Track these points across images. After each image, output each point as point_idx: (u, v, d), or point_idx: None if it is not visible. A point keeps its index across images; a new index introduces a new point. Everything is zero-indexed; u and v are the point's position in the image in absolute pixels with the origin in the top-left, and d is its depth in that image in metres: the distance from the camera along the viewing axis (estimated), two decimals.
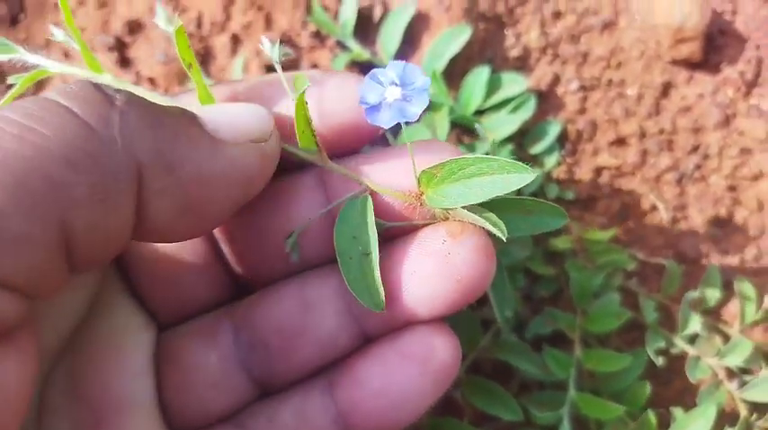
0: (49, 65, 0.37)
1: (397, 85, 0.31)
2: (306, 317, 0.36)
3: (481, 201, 0.32)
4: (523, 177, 0.31)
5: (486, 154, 0.57)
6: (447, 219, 0.35)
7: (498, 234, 0.31)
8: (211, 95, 0.35)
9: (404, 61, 0.32)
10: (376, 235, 0.33)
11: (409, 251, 0.34)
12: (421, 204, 0.34)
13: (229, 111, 0.33)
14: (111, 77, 0.37)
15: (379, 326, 0.36)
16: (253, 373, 0.37)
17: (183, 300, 0.38)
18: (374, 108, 0.31)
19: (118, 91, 0.29)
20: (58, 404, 0.34)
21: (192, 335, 0.37)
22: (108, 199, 0.27)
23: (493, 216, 0.32)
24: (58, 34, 0.39)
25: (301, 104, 0.32)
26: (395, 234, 0.35)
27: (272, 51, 0.35)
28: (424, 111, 0.32)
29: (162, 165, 0.29)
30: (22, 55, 0.38)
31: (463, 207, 0.33)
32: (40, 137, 0.26)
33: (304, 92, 0.31)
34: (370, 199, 0.34)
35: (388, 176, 0.35)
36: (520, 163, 0.31)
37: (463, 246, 0.33)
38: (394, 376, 0.34)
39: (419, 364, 0.34)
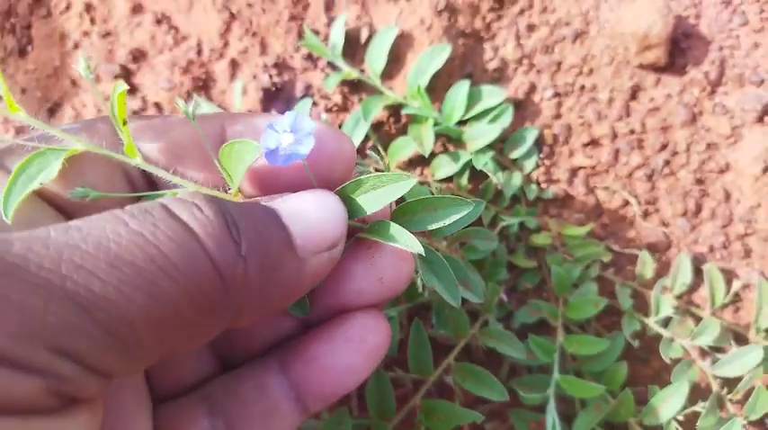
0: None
1: (288, 132, 0.37)
2: None
3: (379, 208, 0.39)
4: (407, 183, 0.38)
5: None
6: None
7: (409, 249, 0.38)
8: (135, 150, 0.38)
9: (294, 112, 0.38)
10: None
11: (343, 256, 0.41)
12: None
13: (313, 216, 0.36)
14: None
15: (318, 314, 0.43)
16: (216, 350, 0.44)
17: None
18: (272, 152, 0.37)
19: (236, 222, 0.32)
20: None
21: None
22: (210, 332, 0.32)
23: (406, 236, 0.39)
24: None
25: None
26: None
27: (187, 108, 0.39)
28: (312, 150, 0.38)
29: (258, 302, 0.33)
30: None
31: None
32: (185, 280, 0.29)
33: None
34: None
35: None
36: (404, 173, 0.39)
37: (384, 252, 0.41)
38: (337, 354, 0.41)
39: (356, 344, 0.41)
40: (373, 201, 0.39)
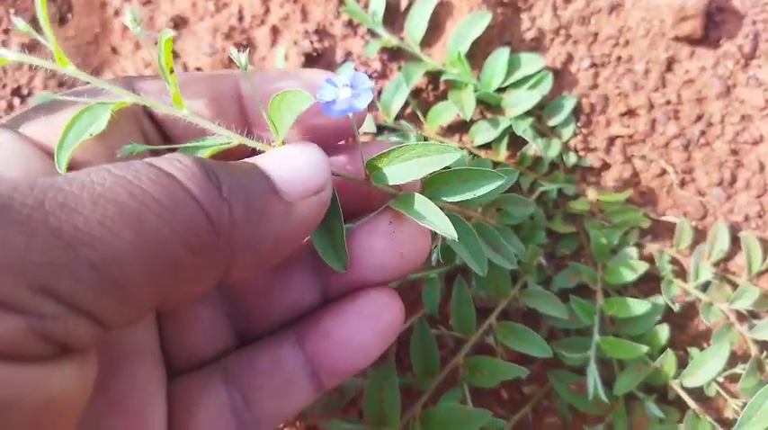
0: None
1: (348, 86, 0.38)
2: (276, 281, 0.43)
3: (419, 176, 0.39)
4: (452, 156, 0.38)
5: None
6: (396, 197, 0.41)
7: (439, 231, 0.38)
8: (182, 100, 0.39)
9: (351, 68, 0.38)
10: (341, 212, 0.40)
11: (362, 230, 0.42)
12: (369, 184, 0.40)
13: (295, 164, 0.36)
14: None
15: (337, 289, 0.43)
16: (234, 324, 0.44)
17: None
18: (329, 103, 0.37)
19: (215, 170, 0.32)
20: None
21: None
22: (204, 278, 0.32)
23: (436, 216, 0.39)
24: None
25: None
26: (351, 215, 0.42)
27: (239, 59, 0.39)
28: (369, 106, 0.39)
29: (250, 247, 0.33)
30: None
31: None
32: (174, 219, 0.29)
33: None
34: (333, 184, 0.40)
35: (342, 160, 0.42)
36: (450, 145, 0.38)
37: (405, 226, 0.41)
38: (351, 330, 0.41)
39: (371, 321, 0.41)
40: (416, 168, 0.39)
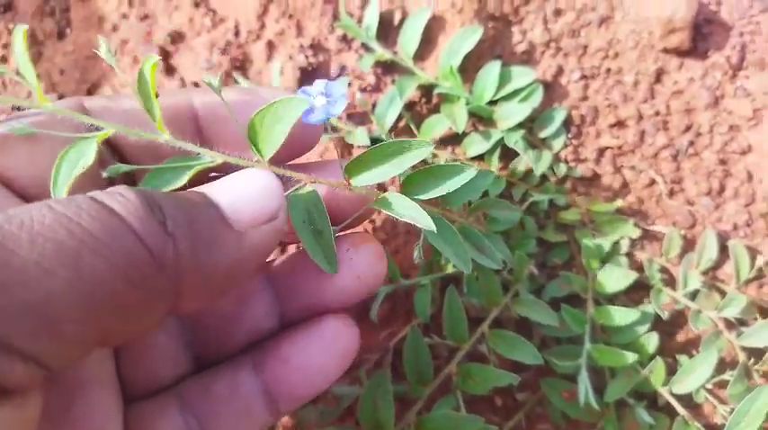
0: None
1: (322, 94, 0.40)
2: (235, 307, 0.44)
3: (397, 173, 0.40)
4: (424, 150, 0.40)
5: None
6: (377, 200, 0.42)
7: (418, 224, 0.39)
8: (164, 128, 0.40)
9: (324, 80, 0.41)
10: (327, 216, 0.41)
11: None
12: (350, 189, 0.42)
13: (245, 191, 0.36)
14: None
15: (296, 314, 0.44)
16: (192, 349, 0.44)
17: None
18: (307, 112, 0.39)
19: (159, 204, 0.32)
20: None
21: None
22: (149, 313, 0.31)
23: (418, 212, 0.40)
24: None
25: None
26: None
27: (213, 81, 0.40)
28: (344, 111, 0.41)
29: (198, 280, 0.32)
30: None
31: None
32: (112, 254, 0.29)
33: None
34: (316, 189, 0.41)
35: (324, 174, 0.43)
36: (423, 140, 0.40)
37: (361, 252, 0.43)
38: (312, 354, 0.42)
39: (330, 345, 0.42)
40: (393, 166, 0.41)
